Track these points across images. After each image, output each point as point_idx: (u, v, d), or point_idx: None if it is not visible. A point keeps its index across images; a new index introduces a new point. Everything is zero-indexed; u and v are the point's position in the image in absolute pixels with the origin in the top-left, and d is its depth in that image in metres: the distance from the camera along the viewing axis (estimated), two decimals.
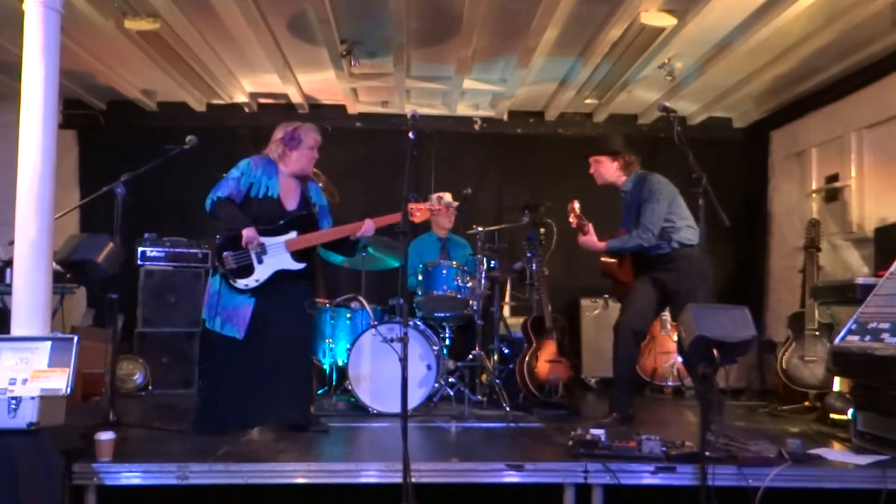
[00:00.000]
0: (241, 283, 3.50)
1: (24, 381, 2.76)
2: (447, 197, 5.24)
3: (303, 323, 3.69)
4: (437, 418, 4.02)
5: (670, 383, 5.30)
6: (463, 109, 6.30)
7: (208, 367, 3.57)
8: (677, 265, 3.82)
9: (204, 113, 6.13)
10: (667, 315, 5.06)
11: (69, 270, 3.56)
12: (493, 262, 4.75)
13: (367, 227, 3.63)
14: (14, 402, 2.69)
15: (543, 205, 5.48)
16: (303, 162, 3.63)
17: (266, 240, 3.50)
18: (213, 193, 3.53)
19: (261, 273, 3.51)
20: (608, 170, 4.08)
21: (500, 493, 2.95)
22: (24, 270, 3.04)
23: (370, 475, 2.84)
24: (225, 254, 3.50)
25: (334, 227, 3.71)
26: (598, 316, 5.76)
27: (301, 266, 3.55)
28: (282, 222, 3.54)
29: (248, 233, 3.45)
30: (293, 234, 3.54)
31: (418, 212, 3.64)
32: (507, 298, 5.63)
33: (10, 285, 3.15)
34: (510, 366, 4.74)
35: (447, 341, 4.70)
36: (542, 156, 6.29)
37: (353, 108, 6.19)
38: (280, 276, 3.53)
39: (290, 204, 3.62)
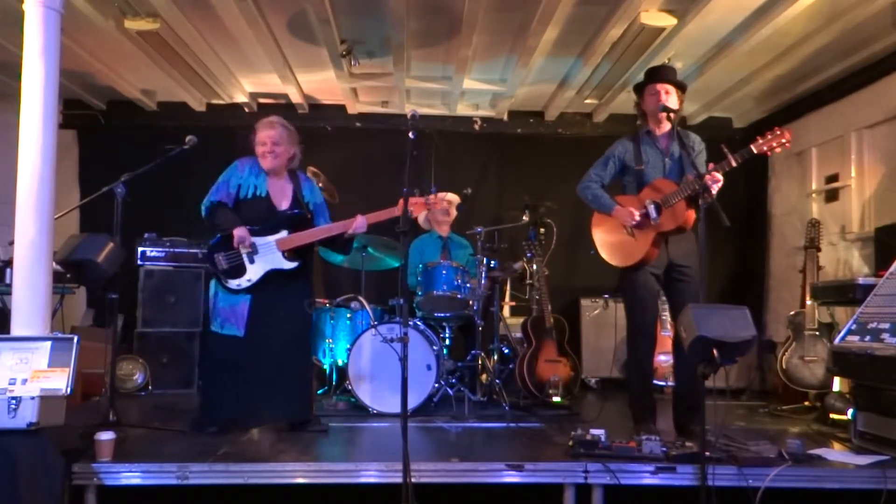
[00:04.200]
0: (233, 283, 3.51)
1: (24, 381, 2.76)
2: (449, 195, 5.28)
3: (301, 322, 3.68)
4: (437, 418, 4.02)
5: (670, 383, 5.29)
6: (463, 109, 6.29)
7: (209, 368, 3.57)
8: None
9: (204, 113, 6.13)
10: (667, 315, 5.06)
11: (69, 270, 3.56)
12: (493, 262, 4.75)
13: (359, 223, 3.60)
14: (14, 402, 2.69)
15: (543, 205, 5.48)
16: (262, 162, 3.61)
17: (257, 240, 3.52)
18: (206, 198, 3.58)
19: (253, 273, 3.52)
20: (676, 101, 3.61)
21: (500, 493, 2.94)
22: (24, 270, 3.05)
23: (370, 475, 2.84)
24: (216, 255, 3.52)
25: (328, 223, 3.69)
26: (598, 316, 5.75)
27: (294, 265, 3.55)
28: (273, 222, 3.55)
29: (238, 232, 3.47)
30: (284, 234, 3.55)
31: (414, 206, 3.55)
32: (507, 298, 5.64)
33: (10, 285, 3.16)
34: (510, 366, 4.74)
35: (447, 341, 4.70)
36: (542, 156, 6.28)
37: (353, 108, 6.20)
38: (274, 276, 3.54)
39: (283, 203, 3.62)
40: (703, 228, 3.10)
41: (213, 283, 3.61)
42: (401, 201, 3.50)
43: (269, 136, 3.59)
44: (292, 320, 3.60)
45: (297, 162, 3.75)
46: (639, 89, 3.73)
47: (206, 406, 3.58)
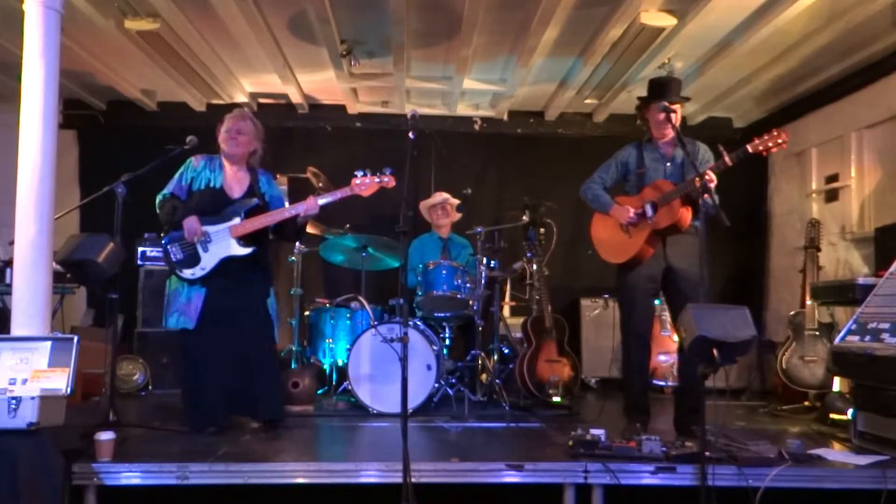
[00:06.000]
0: (187, 273, 3.52)
1: (24, 381, 2.76)
2: (444, 194, 5.28)
3: (261, 315, 3.65)
4: (437, 418, 4.02)
5: (670, 383, 5.29)
6: (463, 109, 6.30)
7: (182, 369, 3.58)
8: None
9: (204, 113, 6.13)
10: (666, 315, 5.06)
11: (69, 270, 3.55)
12: (493, 262, 4.75)
13: (311, 205, 3.58)
14: (14, 402, 2.69)
15: (543, 205, 5.47)
16: (224, 146, 3.64)
17: (210, 228, 3.53)
18: (160, 193, 3.63)
19: (207, 261, 3.52)
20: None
21: (500, 493, 2.94)
22: (24, 270, 3.05)
23: (370, 475, 2.84)
24: (169, 247, 3.54)
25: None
26: (598, 316, 5.75)
27: (248, 251, 3.55)
28: (227, 211, 3.56)
29: (187, 222, 3.49)
30: (237, 220, 3.55)
31: (367, 186, 3.58)
32: (507, 298, 5.64)
33: (10, 285, 3.16)
34: (510, 366, 4.74)
35: (447, 341, 4.70)
36: (542, 156, 6.29)
37: (353, 108, 6.19)
38: (230, 264, 3.54)
39: (235, 193, 3.64)
40: (703, 229, 3.11)
41: (170, 280, 3.63)
42: (352, 181, 3.56)
43: (235, 125, 3.65)
44: (251, 313, 3.59)
45: (258, 159, 3.78)
46: (643, 100, 3.77)
47: (187, 402, 3.56)
